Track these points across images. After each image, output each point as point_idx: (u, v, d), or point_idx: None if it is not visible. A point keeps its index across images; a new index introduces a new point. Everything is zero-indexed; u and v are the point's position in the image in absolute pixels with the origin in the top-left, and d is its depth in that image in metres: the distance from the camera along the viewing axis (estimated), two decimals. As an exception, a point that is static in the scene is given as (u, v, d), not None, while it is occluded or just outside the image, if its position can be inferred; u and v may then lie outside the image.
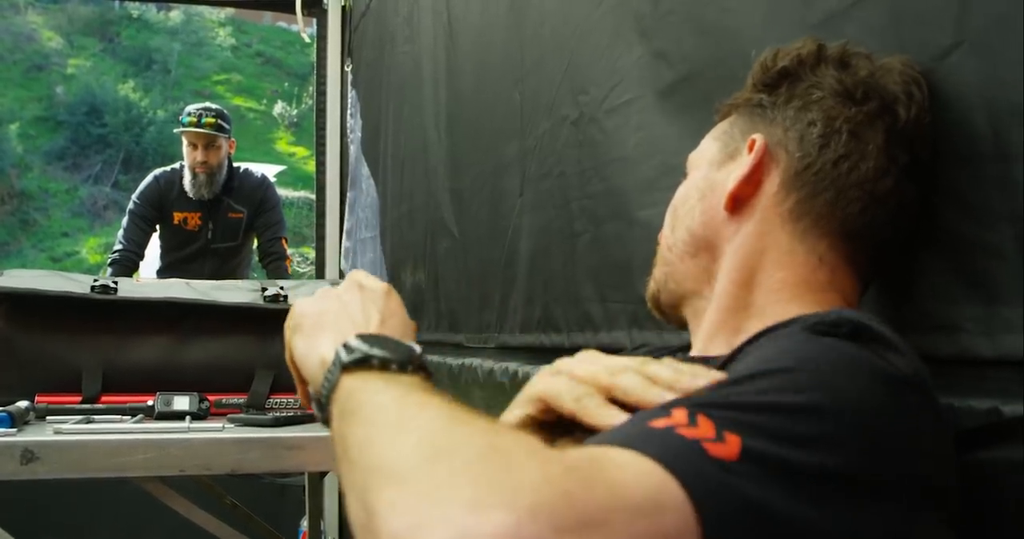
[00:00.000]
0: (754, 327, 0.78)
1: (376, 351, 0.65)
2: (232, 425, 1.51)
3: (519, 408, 0.75)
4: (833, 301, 0.79)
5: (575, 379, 0.71)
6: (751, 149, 0.83)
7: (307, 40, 3.68)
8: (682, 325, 0.90)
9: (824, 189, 0.79)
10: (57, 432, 1.42)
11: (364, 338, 0.67)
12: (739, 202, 0.83)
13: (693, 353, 0.85)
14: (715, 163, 0.87)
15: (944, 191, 0.79)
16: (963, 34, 0.77)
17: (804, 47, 0.84)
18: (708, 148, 0.90)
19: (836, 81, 0.81)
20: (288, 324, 0.82)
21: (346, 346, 0.66)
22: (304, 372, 0.76)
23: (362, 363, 0.65)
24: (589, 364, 0.72)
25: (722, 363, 0.71)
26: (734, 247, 0.83)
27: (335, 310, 0.76)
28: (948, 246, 0.78)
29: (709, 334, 0.84)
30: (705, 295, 0.85)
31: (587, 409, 0.68)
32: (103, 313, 1.75)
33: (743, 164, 0.83)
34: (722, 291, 0.83)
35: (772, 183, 0.82)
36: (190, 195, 3.78)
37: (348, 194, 3.35)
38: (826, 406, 0.57)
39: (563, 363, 0.74)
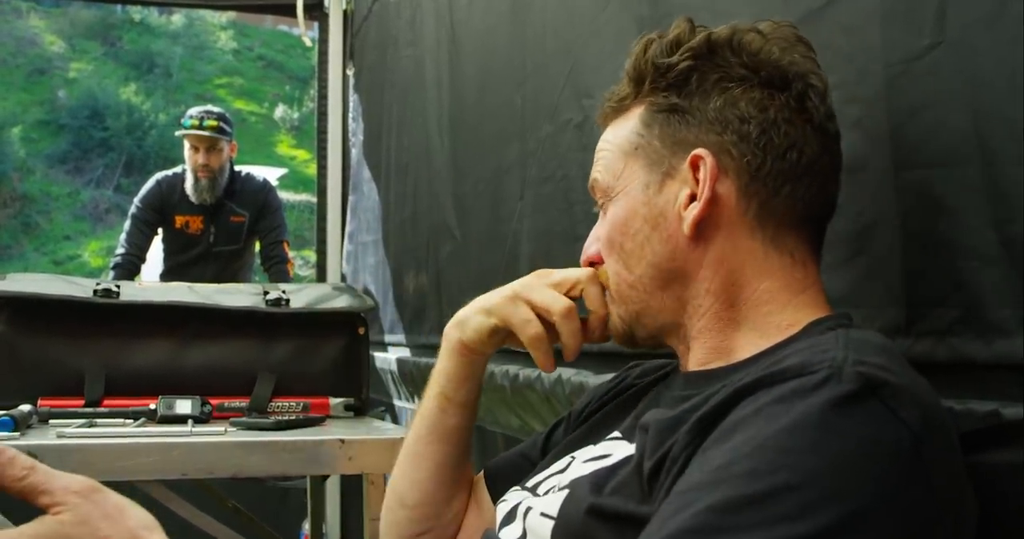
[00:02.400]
0: (752, 340, 0.78)
1: None
2: (234, 429, 1.52)
3: (483, 316, 0.94)
4: (815, 298, 0.79)
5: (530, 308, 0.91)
6: (694, 166, 0.79)
7: (308, 44, 3.68)
8: (661, 348, 0.88)
9: (781, 184, 0.78)
10: (60, 436, 1.43)
11: None
12: (700, 225, 0.79)
13: (690, 369, 0.83)
14: (652, 185, 0.82)
15: (929, 195, 0.79)
16: (942, 34, 0.77)
17: (688, 37, 0.81)
18: (624, 169, 0.84)
19: (744, 67, 0.80)
20: None
21: None
22: None
23: None
24: (539, 294, 0.91)
25: (719, 405, 0.67)
26: (709, 269, 0.80)
27: None
28: (933, 250, 0.78)
29: (704, 358, 0.81)
30: (685, 322, 0.82)
31: (536, 352, 0.90)
32: (106, 317, 1.75)
33: (688, 184, 0.79)
34: (711, 316, 0.80)
35: (729, 195, 0.79)
36: (192, 199, 3.78)
37: (350, 197, 3.35)
38: (849, 524, 0.57)
39: (521, 289, 0.93)
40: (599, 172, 0.87)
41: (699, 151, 0.79)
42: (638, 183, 0.83)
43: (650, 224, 0.82)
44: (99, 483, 0.69)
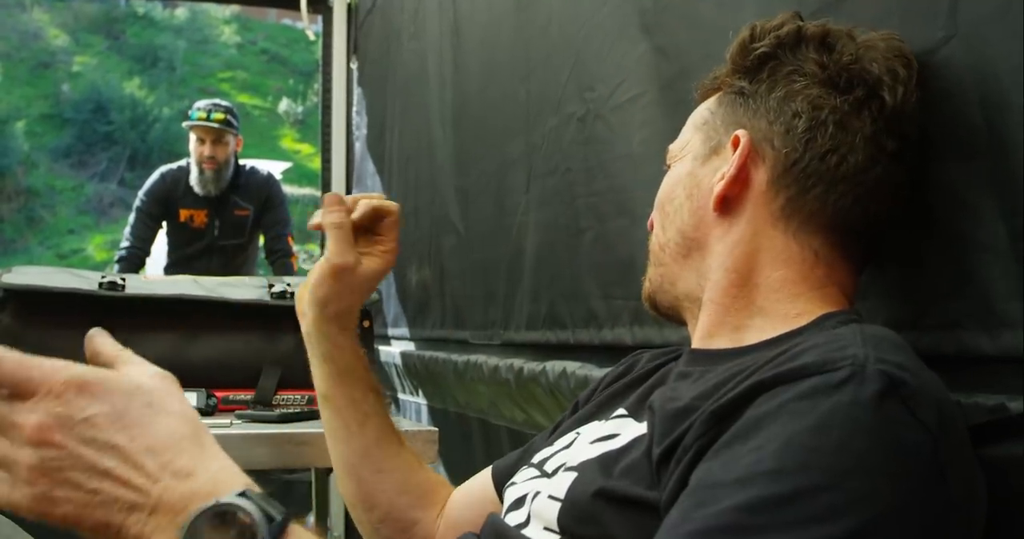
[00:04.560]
0: (758, 325, 0.78)
1: None
2: (239, 421, 1.52)
3: None
4: (833, 296, 0.79)
5: None
6: (735, 146, 0.81)
7: (312, 37, 3.68)
8: (680, 322, 0.89)
9: (813, 185, 0.78)
10: (65, 428, 1.43)
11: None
12: (727, 202, 0.81)
13: (696, 345, 0.85)
14: (699, 157, 0.85)
15: (938, 187, 0.79)
16: (955, 27, 0.77)
17: (783, 27, 0.82)
18: (690, 139, 0.88)
19: (818, 66, 0.79)
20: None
21: None
22: None
23: None
24: None
25: (735, 398, 0.66)
26: (727, 247, 0.81)
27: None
28: (943, 243, 0.78)
29: (708, 332, 0.82)
30: (700, 295, 0.84)
31: None
32: (111, 310, 1.75)
33: (729, 162, 0.81)
34: (719, 291, 0.81)
35: (760, 181, 0.80)
36: (196, 191, 3.79)
37: (354, 191, 3.35)
38: (875, 526, 0.57)
39: None
40: (676, 140, 0.91)
41: (739, 132, 0.81)
42: (692, 154, 0.87)
43: (686, 193, 0.85)
44: None
